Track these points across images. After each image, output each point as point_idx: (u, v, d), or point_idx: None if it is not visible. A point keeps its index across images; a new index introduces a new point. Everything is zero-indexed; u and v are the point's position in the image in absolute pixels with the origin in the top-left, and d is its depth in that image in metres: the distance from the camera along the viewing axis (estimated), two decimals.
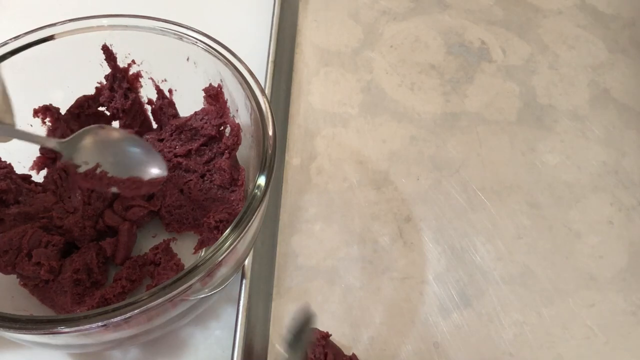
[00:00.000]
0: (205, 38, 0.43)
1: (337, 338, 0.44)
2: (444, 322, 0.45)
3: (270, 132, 0.39)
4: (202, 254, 0.45)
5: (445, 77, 0.62)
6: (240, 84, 0.42)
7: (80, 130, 0.40)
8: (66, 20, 0.43)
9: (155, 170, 0.41)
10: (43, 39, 0.43)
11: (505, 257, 0.49)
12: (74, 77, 0.46)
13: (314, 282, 0.47)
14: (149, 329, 0.38)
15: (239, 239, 0.35)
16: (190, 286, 0.33)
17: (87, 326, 0.31)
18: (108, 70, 0.47)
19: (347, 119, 0.58)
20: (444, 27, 0.66)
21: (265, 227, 0.49)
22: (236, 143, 0.46)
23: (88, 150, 0.40)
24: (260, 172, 0.38)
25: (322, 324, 0.44)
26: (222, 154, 0.46)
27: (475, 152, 0.56)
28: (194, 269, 0.34)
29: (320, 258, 0.48)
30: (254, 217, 0.36)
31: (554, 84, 0.62)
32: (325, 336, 0.41)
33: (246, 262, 0.44)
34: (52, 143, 0.38)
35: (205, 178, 0.47)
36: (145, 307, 0.32)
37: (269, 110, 0.40)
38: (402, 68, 0.62)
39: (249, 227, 0.36)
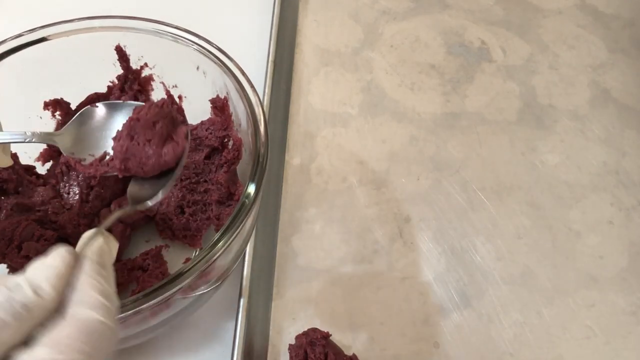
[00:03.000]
0: (213, 48, 0.43)
1: (337, 338, 0.44)
2: (444, 322, 0.45)
3: (263, 139, 0.39)
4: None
5: (445, 77, 0.62)
6: (242, 98, 0.42)
7: (75, 117, 0.39)
8: (83, 18, 0.44)
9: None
10: (55, 34, 0.43)
11: (505, 257, 0.49)
12: (87, 75, 0.47)
13: (314, 282, 0.47)
14: (130, 335, 0.38)
15: (222, 250, 0.34)
16: (169, 296, 0.33)
17: None
18: (121, 71, 0.47)
19: (347, 119, 0.58)
20: (444, 27, 0.66)
21: (265, 227, 0.49)
22: (237, 157, 0.45)
23: (87, 141, 0.39)
24: (250, 181, 0.37)
25: (322, 324, 0.44)
26: (222, 166, 0.46)
27: (475, 152, 0.56)
28: (174, 279, 0.33)
29: (320, 258, 0.48)
30: (238, 228, 0.35)
31: (554, 84, 0.62)
32: (325, 336, 0.41)
33: (246, 262, 0.44)
34: (44, 137, 0.37)
35: (202, 190, 0.46)
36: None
37: (262, 120, 0.40)
38: (402, 68, 0.62)
39: (233, 239, 0.35)
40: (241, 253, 0.41)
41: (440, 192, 0.53)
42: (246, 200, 0.36)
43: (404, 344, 0.44)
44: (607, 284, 0.48)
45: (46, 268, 0.23)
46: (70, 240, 0.44)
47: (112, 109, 0.40)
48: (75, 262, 0.24)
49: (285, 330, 0.44)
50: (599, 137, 0.58)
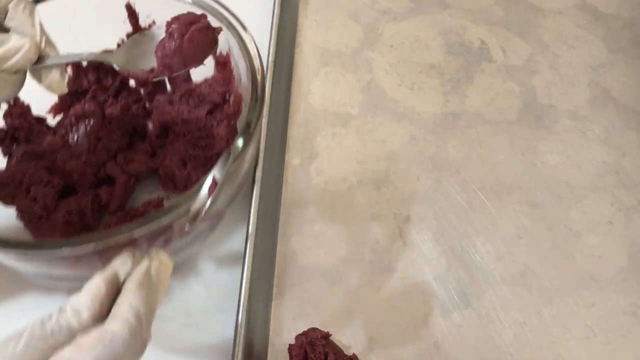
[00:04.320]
0: (216, 5, 0.46)
1: (337, 338, 0.44)
2: (444, 322, 0.45)
3: (258, 68, 0.43)
4: None
5: (445, 77, 0.62)
6: (242, 52, 0.44)
7: (128, 41, 0.41)
8: None
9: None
10: None
11: (505, 257, 0.49)
12: (97, 32, 0.49)
13: (314, 282, 0.47)
14: None
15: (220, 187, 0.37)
16: (165, 225, 0.36)
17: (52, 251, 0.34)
18: (130, 28, 0.49)
19: (347, 119, 0.58)
20: (444, 27, 0.66)
21: (265, 227, 0.49)
22: (237, 112, 0.47)
23: (138, 59, 0.41)
24: (251, 111, 0.41)
25: (322, 324, 0.44)
26: (223, 121, 0.48)
27: (475, 152, 0.56)
28: (168, 209, 0.36)
29: (320, 258, 0.48)
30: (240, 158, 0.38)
31: (554, 84, 0.62)
32: (325, 336, 0.41)
33: (246, 262, 0.44)
34: (103, 56, 0.40)
35: (204, 145, 0.48)
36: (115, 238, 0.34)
37: (258, 55, 0.44)
38: (402, 68, 0.62)
39: (236, 171, 0.38)
40: (235, 196, 0.43)
41: (440, 192, 0.53)
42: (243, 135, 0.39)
43: (404, 344, 0.44)
44: (607, 284, 0.48)
45: (87, 295, 0.27)
46: (77, 187, 0.47)
47: (158, 33, 0.42)
48: (113, 287, 0.28)
49: (285, 330, 0.44)
50: (599, 137, 0.58)
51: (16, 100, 0.48)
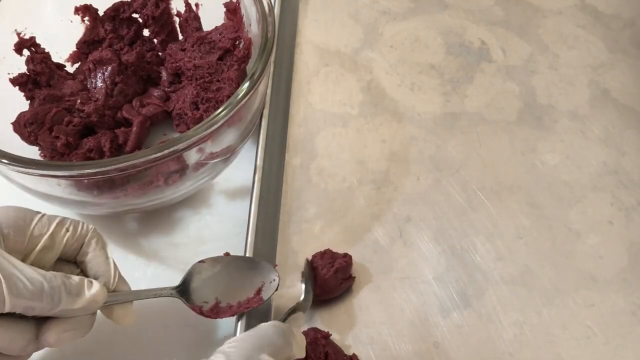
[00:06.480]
0: None
1: (337, 338, 0.44)
2: (444, 322, 0.45)
3: (268, 11, 0.47)
4: None
5: (445, 77, 0.62)
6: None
7: (186, 273, 0.41)
8: None
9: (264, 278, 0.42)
10: None
11: (505, 257, 0.49)
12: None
13: None
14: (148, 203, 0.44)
15: (234, 110, 0.41)
16: (181, 149, 0.40)
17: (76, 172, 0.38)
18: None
19: (347, 119, 0.58)
20: (444, 27, 0.66)
21: (265, 227, 0.49)
22: (246, 56, 0.50)
23: (201, 289, 0.41)
24: (259, 58, 0.44)
25: (322, 324, 0.45)
26: (233, 65, 0.50)
27: (475, 152, 0.56)
28: (182, 137, 0.40)
29: None
30: (249, 94, 0.42)
31: (554, 84, 0.62)
32: (325, 336, 0.41)
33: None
34: (168, 292, 0.40)
35: (215, 89, 0.50)
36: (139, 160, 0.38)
37: (272, 13, 0.47)
38: (402, 68, 0.62)
39: (249, 102, 0.42)
40: (249, 132, 0.47)
41: (440, 192, 0.53)
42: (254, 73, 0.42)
43: (403, 344, 0.44)
44: (607, 284, 0.48)
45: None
46: (96, 129, 0.50)
47: (216, 262, 0.42)
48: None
49: None
50: (599, 137, 0.58)
51: (37, 46, 0.50)
